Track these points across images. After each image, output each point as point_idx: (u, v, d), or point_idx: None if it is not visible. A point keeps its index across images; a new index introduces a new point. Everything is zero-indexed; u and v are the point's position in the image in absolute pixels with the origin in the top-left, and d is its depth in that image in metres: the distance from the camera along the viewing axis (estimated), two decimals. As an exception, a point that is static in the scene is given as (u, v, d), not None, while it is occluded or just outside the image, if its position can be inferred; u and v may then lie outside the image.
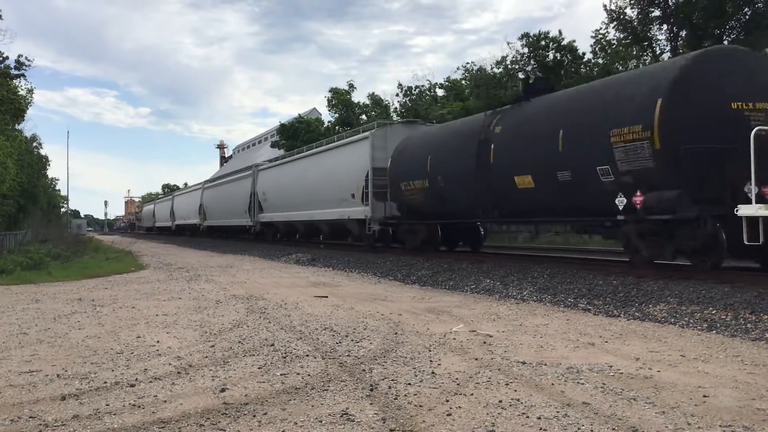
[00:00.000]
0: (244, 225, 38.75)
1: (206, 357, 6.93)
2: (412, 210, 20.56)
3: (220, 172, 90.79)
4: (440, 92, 46.75)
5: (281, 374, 6.07)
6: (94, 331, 8.66)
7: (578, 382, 5.67)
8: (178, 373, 6.19)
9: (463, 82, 44.87)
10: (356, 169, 23.78)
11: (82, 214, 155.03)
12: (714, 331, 8.23)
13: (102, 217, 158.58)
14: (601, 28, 34.37)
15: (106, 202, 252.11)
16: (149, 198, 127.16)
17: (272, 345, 7.51)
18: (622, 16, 32.88)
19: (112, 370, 6.33)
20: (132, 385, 5.71)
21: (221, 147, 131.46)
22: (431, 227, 20.38)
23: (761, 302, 9.04)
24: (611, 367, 6.26)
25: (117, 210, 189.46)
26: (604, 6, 33.17)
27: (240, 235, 42.84)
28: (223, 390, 5.51)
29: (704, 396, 5.21)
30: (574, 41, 38.16)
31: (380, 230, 22.43)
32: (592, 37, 35.51)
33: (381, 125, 24.54)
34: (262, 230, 37.00)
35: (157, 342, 7.82)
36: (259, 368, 6.34)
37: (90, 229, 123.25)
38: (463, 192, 17.49)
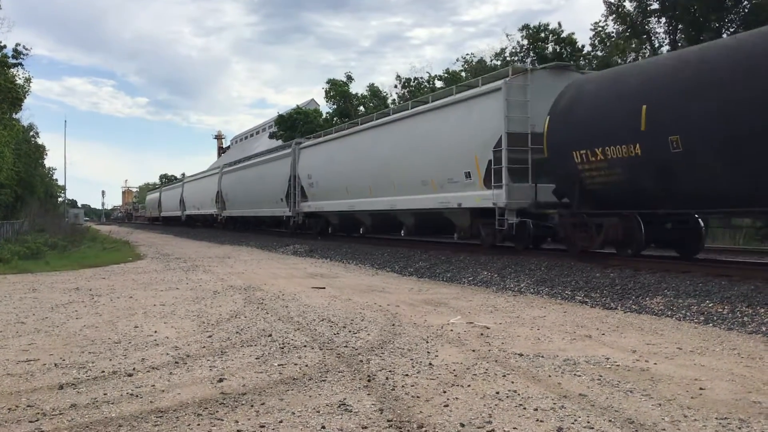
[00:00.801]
0: (279, 216, 31.73)
1: (204, 347, 6.93)
2: (591, 193, 13.23)
3: (218, 162, 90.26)
4: (439, 84, 46.57)
5: (279, 365, 6.08)
6: (92, 321, 8.66)
7: (575, 374, 5.69)
8: (176, 362, 6.20)
9: (463, 74, 44.75)
10: (475, 137, 16.23)
11: (79, 204, 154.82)
12: (711, 324, 8.25)
13: (99, 207, 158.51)
14: (600, 21, 34.37)
15: (103, 192, 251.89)
16: (147, 187, 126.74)
17: (270, 335, 7.52)
18: (620, 9, 32.83)
19: (110, 360, 6.34)
20: (129, 375, 5.72)
21: (219, 138, 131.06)
22: (628, 221, 12.76)
23: (758, 295, 9.06)
24: (608, 359, 6.28)
25: (114, 200, 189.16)
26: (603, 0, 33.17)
27: (274, 228, 36.83)
28: (220, 380, 5.52)
29: (700, 388, 5.23)
30: (573, 34, 38.18)
31: (517, 224, 15.25)
32: (591, 29, 35.50)
33: (518, 71, 16.04)
34: (304, 222, 29.80)
35: (155, 332, 7.83)
36: (256, 359, 6.35)
37: (87, 219, 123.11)
38: (735, 162, 10.36)
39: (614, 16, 33.02)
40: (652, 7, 31.68)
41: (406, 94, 48.71)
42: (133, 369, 5.94)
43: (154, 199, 79.32)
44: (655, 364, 6.09)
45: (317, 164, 27.30)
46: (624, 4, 32.87)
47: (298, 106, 57.51)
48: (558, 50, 37.91)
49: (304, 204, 28.85)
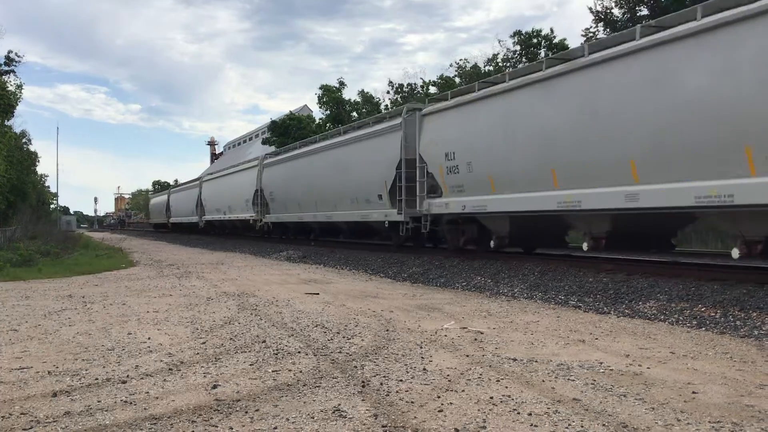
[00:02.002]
0: (376, 221, 21.17)
1: (197, 354, 6.92)
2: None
3: (211, 169, 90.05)
4: (432, 89, 46.66)
5: (273, 371, 6.08)
6: (85, 328, 8.64)
7: (569, 379, 5.71)
8: (170, 369, 6.19)
9: (457, 79, 44.84)
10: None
11: (71, 211, 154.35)
12: (703, 328, 8.29)
13: (92, 214, 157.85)
14: (591, 27, 34.46)
15: (95, 199, 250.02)
16: (140, 194, 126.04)
17: (264, 342, 7.51)
18: (609, 17, 32.95)
19: (104, 367, 6.32)
20: (123, 382, 5.71)
21: (212, 144, 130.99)
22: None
23: (750, 299, 9.10)
24: (601, 363, 6.30)
25: (107, 206, 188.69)
26: (590, 8, 33.29)
27: (360, 240, 26.17)
28: (214, 386, 5.51)
29: (693, 392, 5.25)
30: (565, 39, 38.29)
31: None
32: (582, 35, 35.59)
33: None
34: (425, 234, 18.92)
35: (148, 339, 7.81)
36: (250, 365, 6.34)
37: (85, 226, 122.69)
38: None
39: (602, 23, 33.12)
40: (642, 13, 31.80)
41: (398, 99, 48.78)
42: (127, 376, 5.92)
43: (160, 203, 68.54)
44: (648, 368, 6.12)
45: (454, 136, 18.89)
46: (612, 11, 32.99)
47: (291, 112, 57.43)
48: (550, 56, 38.03)
49: (432, 204, 22.55)
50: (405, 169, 18.54)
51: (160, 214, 66.32)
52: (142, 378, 5.86)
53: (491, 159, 15.14)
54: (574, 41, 36.77)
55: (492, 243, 16.16)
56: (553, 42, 38.28)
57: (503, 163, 14.77)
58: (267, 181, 32.46)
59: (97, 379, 5.83)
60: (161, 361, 6.57)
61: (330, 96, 51.60)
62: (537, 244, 17.33)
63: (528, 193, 13.93)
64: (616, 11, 32.79)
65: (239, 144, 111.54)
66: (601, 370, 6.03)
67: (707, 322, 8.53)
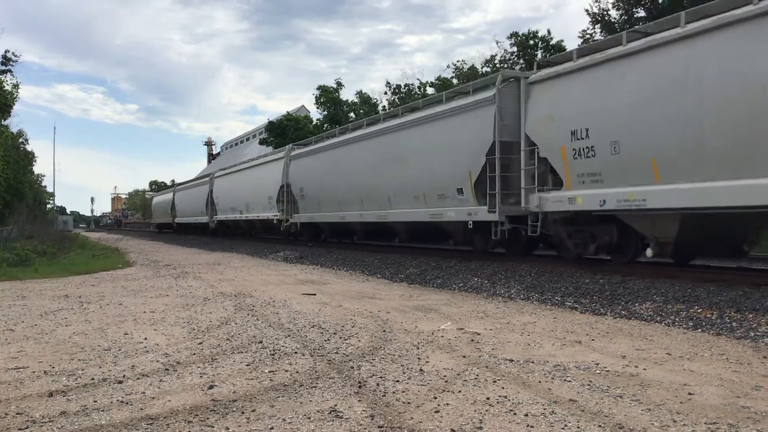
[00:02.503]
0: (458, 221, 16.83)
1: (194, 354, 6.92)
2: None
3: (208, 169, 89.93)
4: (430, 90, 46.72)
5: (269, 371, 6.07)
6: (81, 328, 8.62)
7: (565, 380, 5.71)
8: (166, 369, 6.18)
9: (455, 80, 44.88)
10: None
11: (68, 211, 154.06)
12: (699, 330, 8.30)
13: (88, 214, 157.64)
14: (588, 29, 34.49)
15: (92, 199, 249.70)
16: (137, 194, 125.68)
17: (260, 342, 7.51)
18: (605, 18, 32.98)
19: (100, 367, 6.31)
20: (120, 382, 5.70)
21: (209, 144, 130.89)
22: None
23: (746, 301, 9.12)
24: (598, 364, 6.31)
25: (103, 206, 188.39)
26: (586, 10, 33.32)
27: (441, 243, 21.84)
28: (211, 387, 5.51)
29: (690, 394, 5.26)
30: (562, 41, 38.34)
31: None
32: (579, 37, 35.65)
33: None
34: (526, 237, 15.56)
35: (145, 339, 7.80)
36: (247, 365, 6.34)
37: (83, 225, 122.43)
38: None
39: (599, 25, 33.15)
40: (639, 15, 31.85)
41: (396, 100, 48.79)
42: (123, 376, 5.92)
43: (164, 202, 63.31)
44: (645, 369, 6.12)
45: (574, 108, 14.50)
46: (609, 13, 33.02)
47: (288, 112, 57.58)
48: (547, 57, 38.09)
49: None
50: (500, 155, 14.52)
51: (164, 213, 61.28)
52: (138, 378, 5.85)
53: (656, 135, 11.01)
54: (571, 43, 36.82)
55: (649, 251, 12.10)
56: (550, 43, 38.31)
57: (679, 140, 10.64)
58: (296, 175, 28.23)
59: (93, 379, 5.83)
60: (157, 361, 6.57)
61: (327, 96, 51.63)
62: (704, 253, 13.59)
63: (722, 182, 9.98)
64: (614, 13, 32.83)
65: (236, 144, 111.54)
66: (598, 371, 6.03)
67: (703, 323, 8.54)
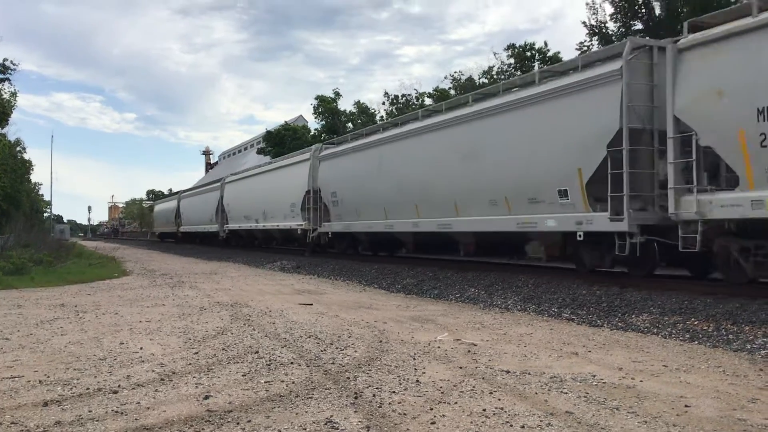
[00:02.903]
0: (562, 231, 13.53)
1: (190, 364, 6.90)
2: None
3: (205, 179, 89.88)
4: (428, 101, 46.83)
5: (265, 381, 6.06)
6: (77, 337, 8.60)
7: (561, 392, 5.70)
8: (162, 379, 6.16)
9: (452, 91, 45.03)
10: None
11: (65, 219, 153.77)
12: (696, 342, 8.30)
13: (85, 223, 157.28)
14: (585, 41, 34.62)
15: (89, 208, 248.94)
16: (134, 203, 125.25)
17: (256, 352, 7.49)
18: (603, 30, 33.10)
19: (95, 377, 6.29)
20: (115, 392, 5.68)
21: (207, 153, 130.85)
22: None
23: (743, 313, 9.12)
24: (594, 376, 6.30)
25: (100, 215, 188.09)
26: (584, 23, 33.46)
27: (521, 258, 17.48)
28: (206, 397, 5.49)
29: (686, 406, 5.26)
30: (559, 53, 38.48)
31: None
32: (576, 49, 35.80)
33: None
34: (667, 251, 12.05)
35: (141, 348, 7.78)
36: (243, 375, 6.32)
37: (80, 234, 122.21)
38: None
39: (597, 37, 33.27)
40: (636, 28, 31.99)
41: (394, 111, 48.89)
42: (119, 386, 5.90)
43: (167, 210, 59.16)
44: (641, 381, 6.12)
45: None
46: (607, 25, 33.15)
47: (286, 122, 57.62)
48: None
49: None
50: (628, 146, 11.46)
51: (167, 222, 57.65)
52: (133, 388, 5.83)
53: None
54: (568, 54, 36.95)
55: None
56: (547, 55, 38.47)
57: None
58: (326, 178, 24.53)
59: (88, 388, 5.81)
60: (153, 371, 6.55)
61: (325, 106, 51.70)
62: None
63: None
64: (611, 25, 32.97)
65: (234, 154, 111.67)
66: (594, 383, 6.03)
67: (700, 335, 8.54)
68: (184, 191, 57.11)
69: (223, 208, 39.15)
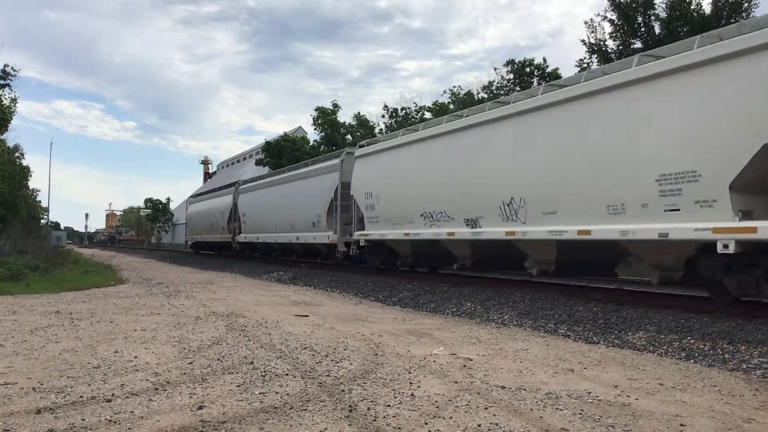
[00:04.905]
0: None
1: (184, 374, 6.87)
2: None
3: (204, 188, 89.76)
4: (428, 115, 46.93)
5: (260, 393, 6.04)
6: (72, 345, 8.57)
7: (557, 408, 5.68)
8: (156, 389, 6.14)
9: (451, 105, 45.15)
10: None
11: (62, 226, 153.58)
12: (692, 361, 8.28)
13: (82, 230, 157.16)
14: (584, 58, 34.79)
15: (87, 215, 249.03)
16: (132, 211, 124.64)
17: (251, 363, 7.47)
18: (602, 48, 33.27)
19: (89, 385, 6.26)
20: (108, 401, 5.66)
21: (205, 163, 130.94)
22: None
23: (739, 332, 9.12)
24: (590, 393, 6.28)
25: (98, 223, 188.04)
26: (583, 41, 33.64)
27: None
28: (200, 407, 5.46)
29: (681, 425, 5.24)
30: (557, 69, 38.64)
31: None
32: (576, 65, 35.96)
33: None
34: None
35: (135, 357, 7.75)
36: (237, 386, 6.30)
37: (77, 241, 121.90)
38: None
39: (596, 55, 33.43)
40: (635, 46, 32.15)
41: (393, 124, 48.98)
42: (112, 394, 5.87)
43: (212, 212, 41.56)
44: (637, 399, 6.10)
45: None
46: (606, 43, 33.30)
47: (285, 133, 57.66)
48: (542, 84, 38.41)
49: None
50: None
51: (212, 227, 42.03)
52: (127, 397, 5.81)
53: None
54: (568, 71, 37.09)
55: None
56: (546, 71, 38.62)
57: None
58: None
59: (81, 396, 5.78)
60: (147, 380, 6.52)
61: (325, 118, 51.78)
62: None
63: None
64: (610, 43, 33.13)
65: (233, 164, 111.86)
66: (590, 400, 6.01)
67: (696, 354, 8.53)
68: (245, 182, 39.03)
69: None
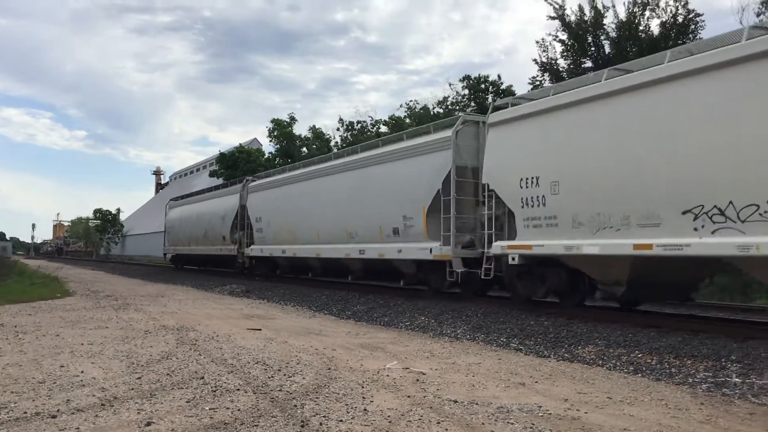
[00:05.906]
0: None
1: (132, 389, 6.73)
2: None
3: (156, 199, 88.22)
4: (383, 129, 47.09)
5: (210, 408, 5.95)
6: (16, 359, 8.33)
7: (508, 422, 5.73)
8: (102, 405, 6.00)
9: (407, 120, 45.40)
10: None
11: (7, 236, 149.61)
12: (640, 374, 8.44)
13: (29, 240, 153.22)
14: (537, 76, 35.37)
15: (33, 225, 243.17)
16: (80, 222, 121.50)
17: (202, 378, 7.36)
18: (554, 67, 33.87)
19: (33, 400, 6.10)
20: (53, 417, 5.51)
21: (157, 173, 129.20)
22: None
23: (685, 347, 9.33)
24: (540, 407, 6.35)
25: (45, 234, 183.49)
26: (535, 60, 34.22)
27: None
28: (148, 424, 5.36)
29: (629, 438, 5.32)
30: (512, 86, 39.20)
31: None
32: (529, 83, 36.55)
33: None
34: None
35: (81, 372, 7.57)
36: (187, 402, 6.20)
37: (22, 252, 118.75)
38: None
39: (548, 73, 34.00)
40: (586, 65, 32.81)
41: (348, 137, 49.00)
42: (57, 410, 5.72)
43: (205, 217, 33.14)
44: (586, 413, 6.19)
45: None
46: (558, 61, 33.91)
47: (240, 144, 57.21)
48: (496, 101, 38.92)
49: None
50: None
51: (204, 237, 32.84)
52: (73, 413, 5.67)
53: None
54: (521, 89, 37.61)
55: None
56: (501, 88, 39.16)
57: None
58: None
59: (26, 413, 5.62)
60: (94, 395, 6.37)
61: (281, 130, 51.52)
62: None
63: None
64: (561, 62, 33.75)
65: (186, 174, 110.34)
66: (540, 414, 6.07)
67: (644, 368, 8.69)
68: (257, 176, 30.64)
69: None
